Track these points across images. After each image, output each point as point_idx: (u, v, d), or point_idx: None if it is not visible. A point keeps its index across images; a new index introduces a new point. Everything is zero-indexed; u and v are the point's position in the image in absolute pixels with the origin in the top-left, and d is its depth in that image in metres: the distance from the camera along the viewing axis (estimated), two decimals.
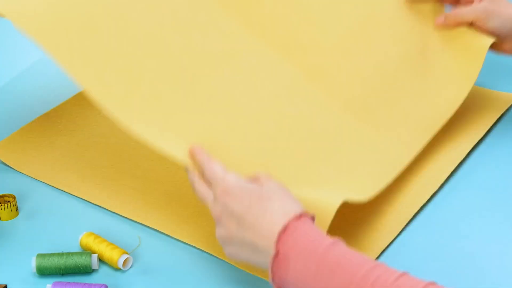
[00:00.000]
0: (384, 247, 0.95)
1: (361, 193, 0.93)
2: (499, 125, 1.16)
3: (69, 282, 0.91)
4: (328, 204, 0.87)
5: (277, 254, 0.80)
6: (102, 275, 0.94)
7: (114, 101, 0.89)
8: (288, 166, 0.95)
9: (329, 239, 0.80)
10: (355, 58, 1.08)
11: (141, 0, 0.97)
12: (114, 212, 1.02)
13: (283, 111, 0.99)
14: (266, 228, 0.81)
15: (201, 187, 0.88)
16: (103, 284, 0.90)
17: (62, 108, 1.19)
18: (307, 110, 1.01)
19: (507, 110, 1.18)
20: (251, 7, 1.06)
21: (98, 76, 0.89)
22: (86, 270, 0.93)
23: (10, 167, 1.10)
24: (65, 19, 0.92)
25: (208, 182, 0.88)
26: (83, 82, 0.88)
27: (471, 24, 1.14)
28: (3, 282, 0.93)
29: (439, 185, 1.04)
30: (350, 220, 0.98)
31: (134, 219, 1.01)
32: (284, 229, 0.80)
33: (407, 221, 0.99)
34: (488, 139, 1.13)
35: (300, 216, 0.81)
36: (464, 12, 1.13)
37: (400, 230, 0.97)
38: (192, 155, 0.89)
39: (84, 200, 1.04)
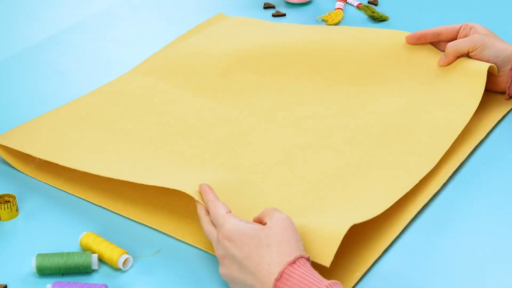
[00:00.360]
0: (385, 247, 0.95)
1: (366, 214, 0.96)
2: (500, 126, 1.16)
3: (69, 282, 0.91)
4: (336, 230, 0.90)
5: None
6: (102, 275, 0.94)
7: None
8: (296, 198, 1.01)
9: (325, 282, 0.82)
10: (364, 108, 1.18)
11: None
12: (114, 212, 1.02)
13: (291, 158, 1.09)
14: (265, 276, 0.84)
15: (207, 226, 0.93)
16: (103, 284, 0.90)
17: (64, 110, 1.18)
18: (317, 156, 1.09)
19: (508, 112, 1.18)
20: (256, 96, 1.22)
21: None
22: (86, 270, 0.93)
23: (10, 167, 1.10)
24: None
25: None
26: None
27: (467, 54, 1.19)
28: (3, 282, 0.93)
29: (441, 185, 1.04)
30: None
31: (134, 219, 1.01)
32: (279, 277, 0.83)
33: (408, 221, 0.99)
34: (490, 141, 1.13)
35: (294, 262, 0.84)
36: (462, 42, 1.19)
37: (401, 230, 0.97)
38: (201, 193, 0.95)
39: (84, 200, 1.04)
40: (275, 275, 0.83)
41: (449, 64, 1.20)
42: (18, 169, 1.09)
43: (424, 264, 0.93)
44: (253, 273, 0.85)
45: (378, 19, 1.44)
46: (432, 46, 1.24)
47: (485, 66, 1.16)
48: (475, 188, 1.04)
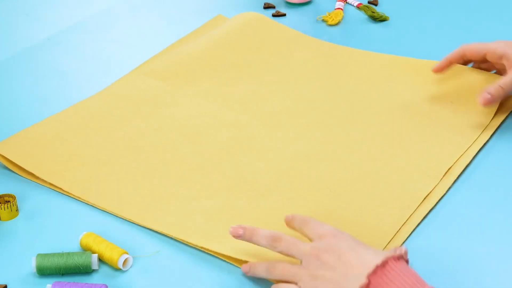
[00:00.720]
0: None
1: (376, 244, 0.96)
2: (501, 127, 1.16)
3: (69, 282, 0.91)
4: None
5: (367, 285, 0.82)
6: (102, 275, 0.94)
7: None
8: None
9: (427, 286, 0.81)
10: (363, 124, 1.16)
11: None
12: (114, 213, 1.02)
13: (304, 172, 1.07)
14: (365, 260, 0.83)
15: (291, 244, 0.89)
16: (103, 284, 0.90)
17: (66, 115, 1.18)
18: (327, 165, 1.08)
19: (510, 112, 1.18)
20: (260, 104, 1.21)
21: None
22: (86, 270, 0.93)
23: (10, 168, 1.10)
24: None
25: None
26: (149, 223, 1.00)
27: None
28: (3, 282, 0.93)
29: (447, 188, 1.04)
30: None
31: (133, 220, 1.01)
32: (383, 264, 0.82)
33: (416, 225, 0.99)
34: (490, 141, 1.13)
35: (399, 257, 0.84)
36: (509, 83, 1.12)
37: (409, 233, 0.97)
38: (290, 221, 0.93)
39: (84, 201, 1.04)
40: (378, 260, 0.82)
41: (494, 104, 1.14)
42: (19, 173, 1.09)
43: (425, 266, 0.93)
44: (350, 260, 0.84)
45: (378, 19, 1.44)
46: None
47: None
48: (477, 190, 1.04)
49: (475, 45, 1.19)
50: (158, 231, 0.99)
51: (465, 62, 1.22)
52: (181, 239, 0.97)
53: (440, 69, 1.21)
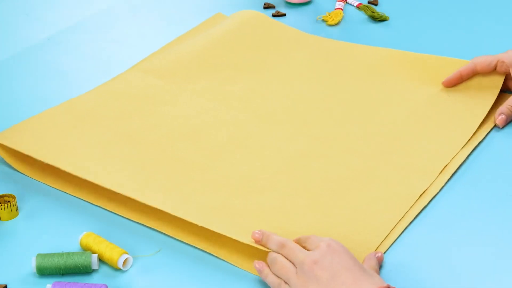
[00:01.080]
0: (386, 249, 0.95)
1: (370, 242, 0.96)
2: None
3: (69, 282, 0.91)
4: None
5: None
6: (102, 275, 0.94)
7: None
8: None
9: None
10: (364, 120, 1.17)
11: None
12: (114, 212, 1.02)
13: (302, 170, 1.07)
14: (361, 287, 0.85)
15: (283, 259, 0.91)
16: (103, 284, 0.90)
17: (64, 108, 1.18)
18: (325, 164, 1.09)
19: None
20: (260, 101, 1.21)
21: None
22: (86, 270, 0.93)
23: (10, 168, 1.10)
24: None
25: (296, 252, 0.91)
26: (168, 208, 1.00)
27: None
28: (3, 282, 0.93)
29: (441, 185, 1.04)
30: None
31: (133, 220, 1.01)
32: None
33: (408, 223, 0.99)
34: (487, 139, 1.13)
35: (387, 287, 0.85)
36: None
37: (402, 231, 0.98)
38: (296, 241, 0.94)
39: (84, 200, 1.04)
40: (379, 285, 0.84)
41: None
42: (18, 169, 1.09)
43: (420, 264, 0.93)
44: (345, 284, 0.85)
45: (378, 19, 1.44)
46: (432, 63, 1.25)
47: (495, 92, 1.17)
48: (473, 188, 1.04)
49: (485, 58, 1.18)
50: (153, 206, 0.99)
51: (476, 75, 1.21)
52: (176, 236, 0.98)
53: (450, 83, 1.20)
